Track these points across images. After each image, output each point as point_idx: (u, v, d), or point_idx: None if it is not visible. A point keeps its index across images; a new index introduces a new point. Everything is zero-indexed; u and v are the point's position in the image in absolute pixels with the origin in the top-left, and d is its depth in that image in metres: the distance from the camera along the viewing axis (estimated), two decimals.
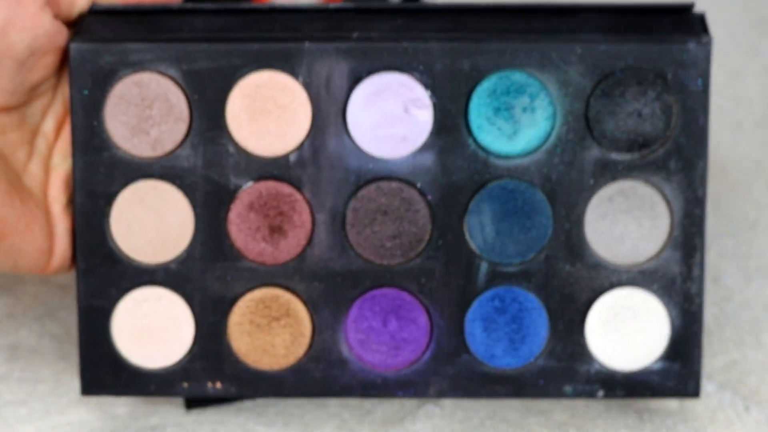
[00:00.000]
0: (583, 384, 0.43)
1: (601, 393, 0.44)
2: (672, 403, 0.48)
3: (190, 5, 0.43)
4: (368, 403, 0.47)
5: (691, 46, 0.41)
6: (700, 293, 0.43)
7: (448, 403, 0.48)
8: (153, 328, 0.43)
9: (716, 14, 0.60)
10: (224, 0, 0.47)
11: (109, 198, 0.43)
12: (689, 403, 0.48)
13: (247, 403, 0.47)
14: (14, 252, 0.42)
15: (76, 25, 0.43)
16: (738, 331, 0.51)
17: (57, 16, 0.42)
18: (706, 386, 0.49)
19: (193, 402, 0.46)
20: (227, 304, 0.43)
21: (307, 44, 0.42)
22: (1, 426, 0.46)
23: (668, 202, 0.42)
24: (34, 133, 0.43)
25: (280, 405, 0.47)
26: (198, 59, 0.42)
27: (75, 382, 0.47)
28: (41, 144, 0.43)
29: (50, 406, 0.47)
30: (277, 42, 0.42)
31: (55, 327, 0.50)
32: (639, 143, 0.42)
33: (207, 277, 0.43)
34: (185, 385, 0.44)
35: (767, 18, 0.59)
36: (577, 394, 0.44)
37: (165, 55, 0.42)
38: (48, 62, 0.42)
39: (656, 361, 0.43)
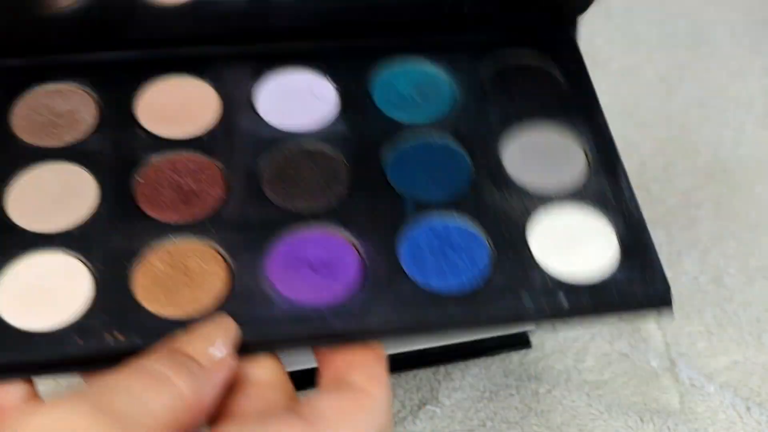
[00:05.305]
0: (542, 294, 0.38)
1: (565, 302, 0.38)
2: (673, 403, 0.45)
3: None
4: None
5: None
6: (637, 206, 0.41)
7: (448, 403, 0.45)
8: (45, 289, 0.38)
9: (716, 14, 0.62)
10: None
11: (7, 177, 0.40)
12: (690, 404, 0.45)
13: None
14: None
15: None
16: (739, 331, 0.49)
17: None
18: (708, 387, 0.46)
19: None
20: (133, 255, 0.38)
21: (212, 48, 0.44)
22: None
23: (578, 137, 0.43)
24: None
25: None
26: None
27: (74, 382, 0.42)
28: None
29: None
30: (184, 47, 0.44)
31: None
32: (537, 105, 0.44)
33: (111, 237, 0.39)
34: (80, 341, 0.36)
35: (767, 18, 0.60)
36: (538, 306, 0.38)
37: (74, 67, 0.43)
38: None
39: (617, 272, 0.39)
